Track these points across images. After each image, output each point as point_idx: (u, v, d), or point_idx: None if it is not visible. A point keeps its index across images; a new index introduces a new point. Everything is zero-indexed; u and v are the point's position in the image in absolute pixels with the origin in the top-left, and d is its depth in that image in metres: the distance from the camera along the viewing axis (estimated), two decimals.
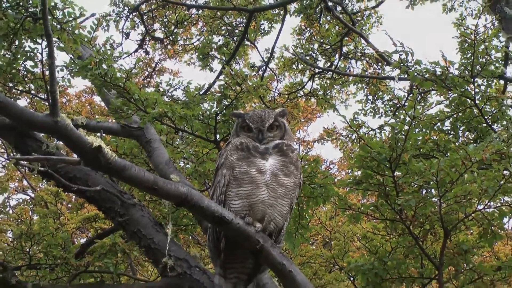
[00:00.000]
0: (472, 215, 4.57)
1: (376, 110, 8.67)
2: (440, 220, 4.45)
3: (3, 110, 2.42)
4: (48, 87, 2.45)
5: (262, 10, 9.12)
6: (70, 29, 4.02)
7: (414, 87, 6.93)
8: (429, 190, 4.68)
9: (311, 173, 4.81)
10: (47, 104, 4.89)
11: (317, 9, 9.16)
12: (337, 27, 9.10)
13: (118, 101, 4.69)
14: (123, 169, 2.33)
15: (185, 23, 9.94)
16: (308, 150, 12.92)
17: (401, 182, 4.57)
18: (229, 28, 9.62)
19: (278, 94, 9.60)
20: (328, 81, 9.38)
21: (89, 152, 2.27)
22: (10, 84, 4.46)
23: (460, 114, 5.69)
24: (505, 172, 4.38)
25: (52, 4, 3.87)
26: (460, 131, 5.87)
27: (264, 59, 9.51)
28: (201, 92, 5.59)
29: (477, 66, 5.54)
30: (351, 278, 9.40)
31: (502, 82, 6.86)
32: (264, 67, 9.49)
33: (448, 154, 4.87)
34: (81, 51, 4.80)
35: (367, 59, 9.41)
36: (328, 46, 9.10)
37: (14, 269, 4.88)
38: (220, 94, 4.98)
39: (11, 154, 7.03)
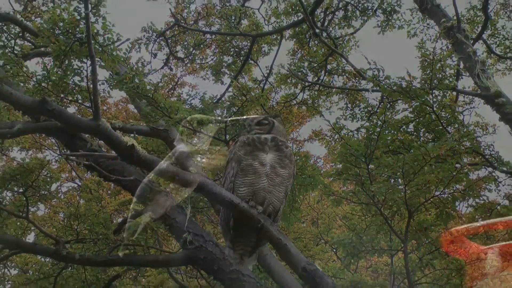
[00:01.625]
0: (431, 199, 4.58)
1: (354, 115, 8.60)
2: (405, 203, 4.45)
3: (56, 116, 2.43)
4: (92, 97, 2.46)
5: (262, 36, 9.11)
6: (109, 51, 4.01)
7: (384, 97, 6.89)
8: (396, 179, 4.67)
9: (302, 166, 4.81)
10: (91, 111, 4.89)
11: (307, 35, 9.14)
12: (323, 49, 9.06)
13: (147, 109, 4.69)
14: (151, 162, 2.33)
15: (201, 46, 9.93)
16: (300, 147, 12.87)
17: (374, 173, 4.57)
18: (236, 49, 9.60)
19: (275, 103, 9.57)
20: (316, 92, 9.33)
21: (125, 149, 2.27)
22: (62, 95, 4.46)
23: (421, 119, 5.67)
24: (457, 165, 4.38)
25: (95, 31, 3.86)
26: (421, 133, 5.85)
27: (265, 74, 9.48)
28: (214, 101, 5.59)
29: (435, 81, 5.52)
30: (334, 250, 9.44)
31: (454, 93, 6.84)
32: (264, 81, 9.46)
33: (412, 151, 4.86)
34: (118, 68, 4.77)
35: (347, 74, 9.36)
36: (316, 64, 9.05)
37: (64, 243, 4.89)
38: (229, 103, 4.98)
39: (63, 151, 7.04)
